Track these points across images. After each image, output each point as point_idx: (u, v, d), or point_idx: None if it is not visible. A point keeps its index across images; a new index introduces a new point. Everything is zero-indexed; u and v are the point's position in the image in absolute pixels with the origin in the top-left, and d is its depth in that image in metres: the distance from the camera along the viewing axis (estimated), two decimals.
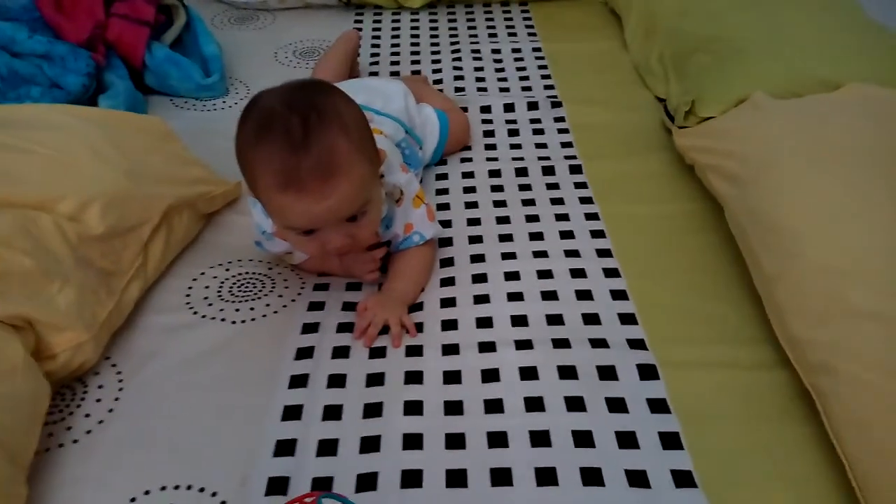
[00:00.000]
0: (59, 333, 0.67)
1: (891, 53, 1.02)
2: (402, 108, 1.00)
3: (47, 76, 1.03)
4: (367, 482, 0.62)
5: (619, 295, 0.81)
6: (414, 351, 0.76)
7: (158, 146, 0.88)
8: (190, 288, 0.83)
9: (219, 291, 0.82)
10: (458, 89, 1.24)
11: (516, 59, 1.33)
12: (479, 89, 1.24)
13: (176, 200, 0.83)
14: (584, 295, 0.81)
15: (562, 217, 0.94)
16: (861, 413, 0.59)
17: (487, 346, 0.75)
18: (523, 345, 0.75)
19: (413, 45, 1.39)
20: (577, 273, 0.84)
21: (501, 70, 1.30)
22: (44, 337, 0.66)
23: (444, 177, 1.03)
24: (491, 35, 1.42)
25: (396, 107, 0.99)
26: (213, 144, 1.02)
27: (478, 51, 1.35)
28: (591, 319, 0.78)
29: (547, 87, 1.24)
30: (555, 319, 0.78)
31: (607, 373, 0.71)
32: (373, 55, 1.36)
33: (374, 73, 1.30)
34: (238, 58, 1.30)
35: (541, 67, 1.30)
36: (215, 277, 0.84)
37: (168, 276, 0.84)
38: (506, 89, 1.24)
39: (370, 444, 0.65)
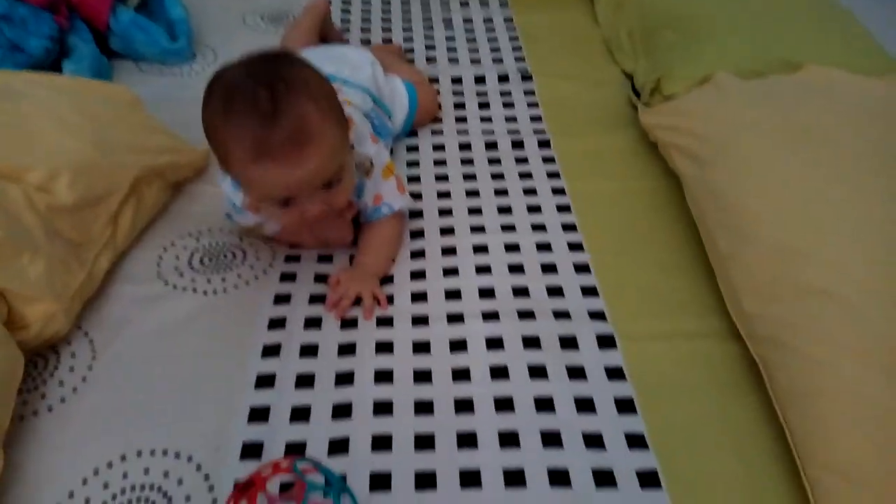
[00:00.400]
0: (31, 304, 0.67)
1: (853, 37, 1.06)
2: (369, 76, 0.99)
3: (7, 38, 1.00)
4: (338, 447, 0.65)
5: (582, 269, 0.84)
6: (384, 322, 0.78)
7: (125, 115, 0.87)
8: (160, 258, 0.83)
9: (189, 262, 0.83)
10: (429, 59, 1.24)
11: (488, 30, 1.33)
12: (451, 60, 1.24)
13: (144, 170, 0.83)
14: (549, 268, 0.84)
15: (530, 191, 0.96)
16: (804, 384, 0.63)
17: (456, 318, 0.78)
18: (490, 316, 0.78)
19: (384, 13, 1.38)
20: (543, 247, 0.87)
21: (473, 41, 1.30)
22: (15, 307, 0.67)
23: (414, 149, 1.04)
24: (463, 4, 1.42)
25: (364, 76, 0.99)
26: (179, 111, 1.00)
27: (449, 20, 1.35)
28: (555, 292, 0.81)
29: (518, 59, 1.25)
30: (521, 292, 0.81)
31: (569, 343, 0.75)
32: (343, 22, 1.35)
33: (345, 42, 1.29)
34: (205, 22, 1.28)
35: (512, 39, 1.31)
36: (185, 248, 0.85)
37: (138, 247, 0.84)
38: (477, 60, 1.24)
39: (342, 411, 0.68)
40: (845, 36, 1.04)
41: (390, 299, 0.81)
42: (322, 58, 0.98)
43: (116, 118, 0.84)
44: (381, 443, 0.65)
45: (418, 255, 0.87)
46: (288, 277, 0.83)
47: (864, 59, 0.99)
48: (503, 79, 1.18)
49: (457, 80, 1.18)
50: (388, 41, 1.29)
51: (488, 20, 1.36)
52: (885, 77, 0.94)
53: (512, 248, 0.87)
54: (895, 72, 0.97)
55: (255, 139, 0.66)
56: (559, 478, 0.62)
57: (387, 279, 0.83)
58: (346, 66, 0.98)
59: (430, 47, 1.27)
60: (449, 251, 0.87)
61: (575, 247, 0.87)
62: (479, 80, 1.18)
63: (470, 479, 0.62)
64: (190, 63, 1.18)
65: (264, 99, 0.65)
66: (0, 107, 0.76)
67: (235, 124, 0.66)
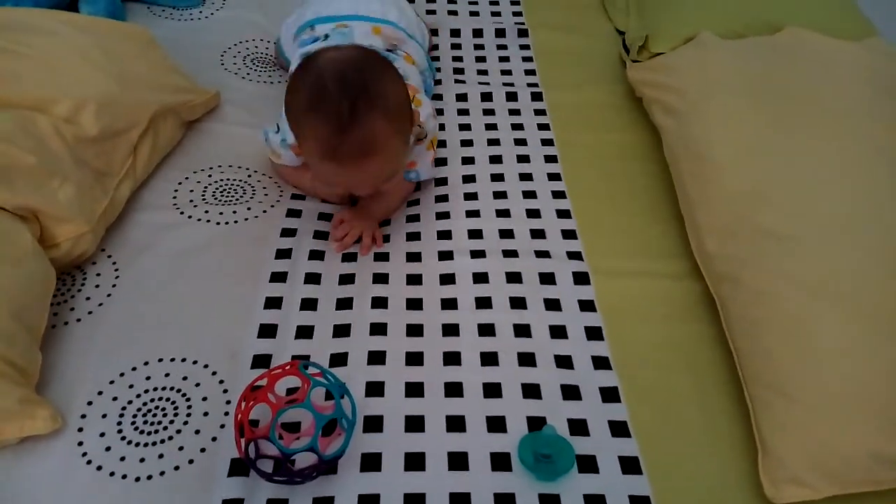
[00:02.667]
0: (62, 224, 0.74)
1: (833, 2, 1.10)
2: (412, 23, 1.03)
3: None
4: (339, 360, 0.73)
5: (563, 214, 0.91)
6: (381, 257, 0.85)
7: (143, 53, 0.92)
8: (176, 191, 0.90)
9: (203, 195, 0.90)
10: (429, 11, 1.28)
11: None
12: (450, 12, 1.28)
13: (161, 106, 0.89)
14: (533, 213, 0.91)
15: (520, 142, 1.02)
16: (752, 313, 0.72)
17: (446, 255, 0.85)
18: (477, 254, 0.85)
19: None
20: (529, 194, 0.94)
21: None
22: (48, 227, 0.74)
23: None
24: None
25: (409, 19, 1.02)
26: (190, 54, 1.07)
27: None
28: (537, 234, 0.88)
29: (515, 14, 1.29)
30: (506, 234, 0.88)
31: (547, 278, 0.82)
32: None
33: None
34: None
35: None
36: (199, 182, 0.91)
37: (155, 179, 0.91)
38: (475, 13, 1.28)
39: (342, 331, 0.76)
40: (826, 1, 1.09)
41: (387, 238, 0.88)
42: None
43: (135, 56, 0.90)
44: (376, 358, 0.73)
45: (413, 201, 0.93)
46: (294, 213, 0.90)
47: (843, 23, 1.04)
48: (500, 33, 1.23)
49: (455, 33, 1.22)
50: None
51: None
52: (862, 41, 0.99)
53: (500, 195, 0.94)
54: (872, 36, 1.02)
55: (327, 143, 0.73)
56: (531, 391, 0.71)
57: (384, 221, 0.90)
58: (395, 8, 1.01)
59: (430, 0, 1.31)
60: (442, 198, 0.93)
61: (558, 194, 0.94)
62: (477, 33, 1.23)
63: (453, 389, 0.71)
64: (199, 7, 1.22)
65: (345, 109, 0.71)
66: (25, 41, 0.81)
67: (314, 123, 0.73)
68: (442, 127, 1.04)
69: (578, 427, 0.68)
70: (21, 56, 0.79)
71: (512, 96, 1.10)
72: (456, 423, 0.68)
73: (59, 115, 0.77)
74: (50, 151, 0.75)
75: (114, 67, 0.84)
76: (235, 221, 0.87)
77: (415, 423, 0.68)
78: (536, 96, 1.10)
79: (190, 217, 0.86)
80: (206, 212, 0.87)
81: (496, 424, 0.68)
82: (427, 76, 1.00)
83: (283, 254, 0.84)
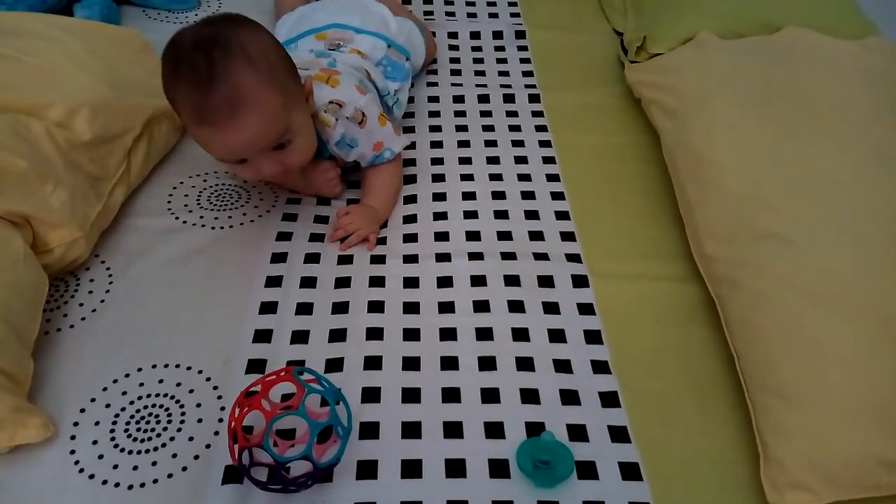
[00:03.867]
0: (54, 230, 0.73)
1: (832, 1, 1.10)
2: (381, 21, 1.03)
3: None
4: (334, 365, 0.72)
5: (562, 215, 0.90)
6: (378, 259, 0.85)
7: (137, 58, 0.92)
8: (170, 195, 0.89)
9: (198, 199, 0.89)
10: (426, 13, 1.27)
11: None
12: (448, 14, 1.28)
13: (155, 111, 0.88)
14: (531, 215, 0.90)
15: (518, 143, 1.02)
16: (752, 317, 0.71)
17: (443, 257, 0.84)
18: (475, 256, 0.84)
19: None
20: (528, 195, 0.93)
21: None
22: (40, 233, 0.73)
23: (410, 100, 1.09)
24: None
25: (376, 21, 1.02)
26: None
27: None
28: (536, 236, 0.87)
29: (513, 15, 1.28)
30: (504, 235, 0.87)
31: (546, 281, 0.81)
32: None
33: None
34: None
35: None
36: (194, 187, 0.91)
37: (150, 184, 0.90)
38: (473, 14, 1.28)
39: (337, 335, 0.75)
40: (826, 0, 1.08)
41: (383, 240, 0.87)
42: (333, 8, 1.02)
43: (129, 60, 0.89)
44: (373, 363, 0.72)
45: (410, 200, 0.93)
46: (289, 217, 0.89)
47: (843, 23, 1.04)
48: (497, 35, 1.22)
49: (453, 35, 1.22)
50: None
51: None
52: (862, 40, 0.99)
53: (498, 195, 0.93)
54: (871, 35, 1.02)
55: (193, 105, 0.70)
56: (530, 396, 0.70)
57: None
58: (357, 15, 1.01)
59: (427, 1, 1.30)
60: (439, 197, 0.93)
61: (557, 195, 0.93)
62: (475, 35, 1.22)
63: (451, 395, 0.70)
64: (195, 10, 1.22)
65: (202, 65, 0.68)
66: (19, 45, 0.81)
67: (179, 90, 0.71)
68: (439, 128, 1.04)
69: (577, 433, 0.67)
70: (14, 60, 0.79)
71: (509, 98, 1.10)
72: (453, 430, 0.67)
73: (52, 120, 0.77)
74: (43, 156, 0.74)
75: (107, 72, 0.83)
76: (230, 226, 0.86)
77: (411, 430, 0.67)
78: (534, 98, 1.10)
79: (185, 222, 0.86)
80: (201, 217, 0.86)
81: (494, 430, 0.67)
82: (387, 63, 0.98)
83: (279, 258, 0.83)
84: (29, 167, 0.72)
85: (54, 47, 0.82)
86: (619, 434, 0.67)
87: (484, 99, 1.09)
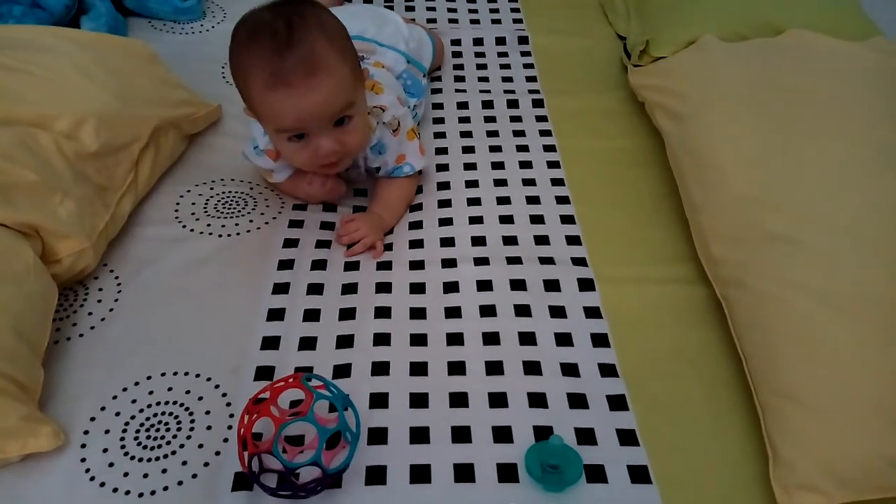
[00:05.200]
0: (63, 240, 0.74)
1: (836, 3, 1.10)
2: (396, 32, 1.03)
3: None
4: (342, 371, 0.72)
5: (567, 220, 0.90)
6: (384, 265, 0.85)
7: (144, 69, 0.92)
8: (178, 204, 0.90)
9: (205, 208, 0.90)
10: (429, 20, 1.28)
11: None
12: (451, 21, 1.29)
13: (162, 121, 0.89)
14: (537, 219, 0.91)
15: (522, 148, 1.02)
16: (760, 319, 0.71)
17: (449, 263, 0.85)
18: (481, 261, 0.84)
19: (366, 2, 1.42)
20: (533, 200, 0.93)
21: (473, 1, 1.34)
22: (49, 243, 0.73)
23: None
24: None
25: (390, 32, 1.03)
26: (191, 67, 1.07)
27: None
28: (541, 240, 0.88)
29: (516, 21, 1.29)
30: (510, 240, 0.88)
31: (552, 285, 0.81)
32: None
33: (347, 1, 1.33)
34: None
35: (511, 0, 1.34)
36: (201, 195, 0.91)
37: (157, 193, 0.91)
38: (476, 21, 1.29)
39: (345, 342, 0.75)
40: (829, 1, 1.08)
41: (389, 246, 0.87)
42: (347, 15, 1.02)
43: (136, 71, 0.90)
44: (380, 368, 0.73)
45: (416, 207, 0.93)
46: (296, 224, 0.90)
47: (846, 24, 1.04)
48: (500, 41, 1.23)
49: (456, 42, 1.22)
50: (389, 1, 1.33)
51: None
52: (865, 41, 0.99)
53: (503, 200, 0.93)
54: (875, 36, 1.02)
55: (271, 66, 0.73)
56: (537, 400, 0.70)
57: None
58: (373, 24, 1.02)
59: (430, 9, 1.31)
60: (445, 203, 0.93)
61: (562, 200, 0.93)
62: (478, 41, 1.23)
63: (458, 399, 0.70)
64: (200, 21, 1.23)
65: (281, 29, 0.73)
66: (27, 58, 0.82)
67: (255, 53, 0.74)
68: (443, 134, 1.04)
69: (586, 436, 0.67)
70: (22, 73, 0.80)
71: (513, 103, 1.10)
72: (461, 434, 0.67)
73: (59, 131, 0.78)
74: (51, 167, 0.75)
75: (114, 83, 0.84)
76: (238, 234, 0.87)
77: (420, 435, 0.67)
78: (538, 103, 1.10)
79: (192, 230, 0.86)
80: (209, 225, 0.87)
81: (502, 435, 0.67)
82: (407, 77, 1.00)
83: (286, 265, 0.84)
84: (38, 179, 0.72)
85: (62, 59, 0.83)
86: (627, 437, 0.67)
87: (488, 105, 1.10)
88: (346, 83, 0.77)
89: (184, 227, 0.86)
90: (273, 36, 0.72)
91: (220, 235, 0.86)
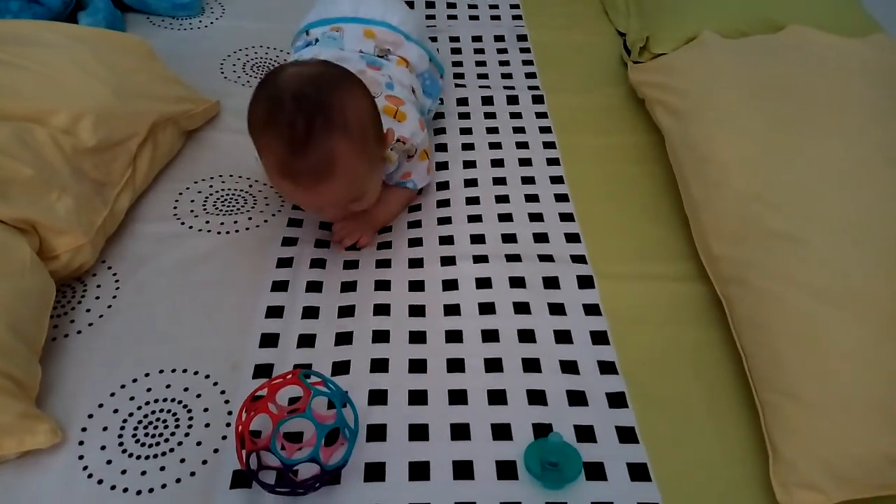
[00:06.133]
0: (60, 236, 0.74)
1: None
2: (419, 30, 1.02)
3: None
4: (341, 368, 0.72)
5: (566, 217, 0.90)
6: (383, 263, 0.85)
7: (142, 65, 0.92)
8: (176, 201, 0.89)
9: (204, 205, 0.89)
10: (428, 17, 1.28)
11: None
12: (450, 16, 1.28)
13: (160, 116, 0.88)
14: (536, 217, 0.90)
15: (522, 145, 1.01)
16: (760, 317, 0.70)
17: (448, 260, 0.84)
18: (480, 259, 0.84)
19: None
20: (532, 197, 0.93)
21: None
22: (46, 240, 0.73)
23: None
24: None
25: (415, 29, 1.01)
26: (189, 63, 1.07)
27: None
28: (540, 238, 0.87)
29: (515, 18, 1.28)
30: (509, 238, 0.87)
31: (551, 283, 0.81)
32: None
33: None
34: None
35: None
36: (200, 192, 0.91)
37: (156, 189, 0.90)
38: (475, 17, 1.28)
39: (344, 339, 0.75)
40: None
41: (388, 244, 0.87)
42: (377, 2, 0.99)
43: (134, 67, 0.89)
44: (379, 365, 0.72)
45: (415, 206, 0.93)
46: (295, 223, 0.89)
47: (846, 20, 1.03)
48: (500, 37, 1.22)
49: (455, 39, 1.22)
50: None
51: None
52: (866, 38, 0.98)
53: (502, 198, 0.93)
54: (875, 32, 1.01)
55: (283, 161, 0.70)
56: (536, 397, 0.70)
57: (385, 227, 0.89)
58: (396, 14, 0.99)
59: (429, 5, 1.31)
60: (443, 202, 0.93)
61: (561, 197, 0.93)
62: (477, 38, 1.22)
63: (457, 396, 0.70)
64: (198, 16, 1.22)
65: (300, 127, 0.68)
66: (24, 53, 0.81)
67: (270, 140, 0.70)
68: (443, 131, 1.04)
69: (585, 434, 0.67)
70: (19, 68, 0.79)
71: (513, 99, 1.10)
72: (460, 431, 0.67)
73: (57, 127, 0.77)
74: (48, 163, 0.74)
75: (112, 78, 0.84)
76: (237, 231, 0.86)
77: (419, 432, 0.67)
78: (537, 99, 1.10)
79: (191, 227, 0.86)
80: (207, 222, 0.87)
81: (501, 432, 0.67)
82: (427, 77, 0.99)
83: (285, 262, 0.84)
84: (34, 174, 0.72)
85: (59, 54, 0.83)
86: (627, 435, 0.67)
87: (488, 101, 1.09)
88: (358, 178, 0.74)
89: (182, 223, 0.86)
90: (291, 130, 0.68)
91: (219, 232, 0.86)
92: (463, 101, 1.09)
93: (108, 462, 0.64)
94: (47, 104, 0.78)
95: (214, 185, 0.92)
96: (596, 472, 0.64)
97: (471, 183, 0.95)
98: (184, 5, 1.19)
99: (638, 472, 0.64)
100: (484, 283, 0.81)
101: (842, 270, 0.69)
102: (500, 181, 0.96)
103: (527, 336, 0.75)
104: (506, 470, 0.64)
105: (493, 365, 0.73)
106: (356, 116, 0.72)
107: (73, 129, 0.78)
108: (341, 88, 0.73)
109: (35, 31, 0.86)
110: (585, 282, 0.81)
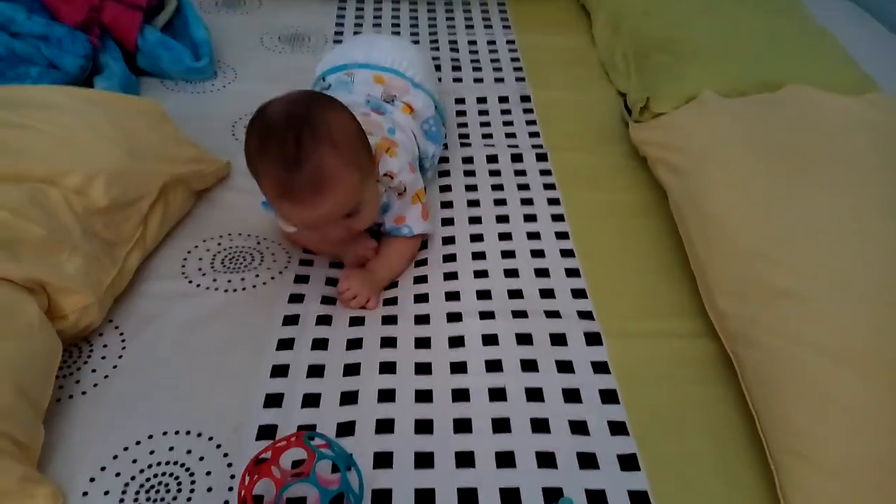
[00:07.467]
0: (69, 296, 0.74)
1: (833, 58, 1.12)
2: (427, 75, 1.05)
3: (45, 56, 1.08)
4: (346, 429, 0.71)
5: (573, 273, 0.90)
6: (389, 320, 0.84)
7: (154, 127, 0.94)
8: (185, 259, 0.90)
9: (212, 263, 0.90)
10: None
11: (491, 52, 1.41)
12: (455, 79, 1.32)
13: (171, 177, 0.90)
14: (542, 273, 0.90)
15: (526, 202, 1.03)
16: (770, 377, 0.69)
17: (454, 317, 0.84)
18: (486, 315, 0.84)
19: (394, 34, 1.46)
20: (537, 253, 0.93)
21: (476, 61, 1.38)
22: (55, 299, 0.73)
23: None
24: (468, 27, 1.49)
25: (423, 76, 1.05)
26: (202, 125, 1.09)
27: (455, 42, 1.43)
28: (547, 294, 0.87)
29: (518, 80, 1.32)
30: (515, 294, 0.87)
31: (558, 339, 0.81)
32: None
33: None
34: (226, 42, 1.36)
35: (514, 59, 1.38)
36: (208, 250, 0.92)
37: (165, 248, 0.91)
38: (479, 80, 1.32)
39: (349, 398, 0.74)
40: (826, 57, 1.11)
41: (394, 300, 0.87)
42: (391, 45, 1.04)
43: (146, 129, 0.92)
44: (385, 426, 0.71)
45: (421, 262, 0.93)
46: (301, 279, 0.90)
47: (843, 79, 1.05)
48: (504, 99, 1.25)
49: (460, 101, 1.25)
50: None
51: (491, 42, 1.43)
52: (863, 96, 1.00)
53: (508, 254, 0.93)
54: (872, 91, 1.03)
55: (279, 180, 0.74)
56: (546, 459, 0.68)
57: (392, 283, 0.90)
58: (405, 60, 1.03)
59: (436, 67, 1.34)
60: (449, 258, 0.93)
61: (567, 253, 0.94)
62: (482, 100, 1.25)
63: (464, 459, 0.68)
64: (211, 80, 1.26)
65: (290, 145, 0.72)
66: (41, 116, 0.84)
67: (265, 164, 0.75)
68: (448, 188, 1.05)
69: (597, 499, 0.65)
70: (36, 131, 0.81)
71: (517, 157, 1.11)
72: (468, 497, 0.65)
73: (69, 187, 0.79)
74: (59, 223, 0.76)
75: (125, 140, 0.86)
76: (244, 289, 0.87)
77: (425, 497, 0.65)
78: (541, 157, 1.12)
79: (198, 286, 0.86)
80: (215, 280, 0.87)
81: (510, 497, 0.65)
82: (432, 123, 1.02)
83: (291, 320, 0.84)
84: (46, 235, 0.73)
85: (74, 118, 0.85)
86: (639, 499, 0.65)
87: (492, 159, 1.11)
88: (353, 189, 0.77)
89: (190, 282, 0.87)
90: (282, 149, 0.72)
91: (226, 290, 0.86)
92: (468, 160, 1.11)
93: None
94: (61, 165, 0.80)
95: (223, 242, 0.93)
96: None
97: (476, 238, 0.96)
98: (197, 70, 1.23)
99: None
100: (490, 339, 0.81)
101: (847, 327, 0.68)
102: (505, 237, 0.96)
103: (535, 395, 0.74)
104: None
105: (501, 425, 0.71)
106: (341, 129, 0.77)
107: (86, 190, 0.80)
108: (325, 106, 0.78)
109: (51, 96, 0.89)
110: (593, 338, 0.81)
